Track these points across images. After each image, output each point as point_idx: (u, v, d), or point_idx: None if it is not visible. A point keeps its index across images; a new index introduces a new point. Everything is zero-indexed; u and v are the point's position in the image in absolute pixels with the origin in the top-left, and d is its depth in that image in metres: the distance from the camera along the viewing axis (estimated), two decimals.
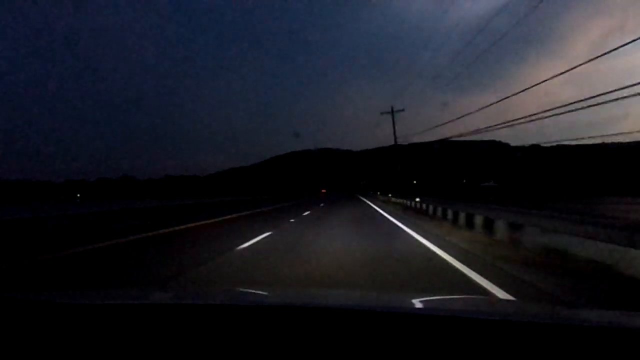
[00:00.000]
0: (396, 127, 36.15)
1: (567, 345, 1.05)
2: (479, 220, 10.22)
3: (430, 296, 2.29)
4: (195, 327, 1.19)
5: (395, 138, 36.74)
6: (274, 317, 1.27)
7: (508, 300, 3.74)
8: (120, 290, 3.32)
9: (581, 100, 9.37)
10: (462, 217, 11.87)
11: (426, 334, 1.12)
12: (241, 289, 2.72)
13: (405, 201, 25.77)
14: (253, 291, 2.37)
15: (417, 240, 8.75)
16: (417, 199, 21.54)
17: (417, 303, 1.73)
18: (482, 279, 4.88)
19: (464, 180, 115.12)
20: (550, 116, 11.05)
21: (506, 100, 13.24)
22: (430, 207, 17.21)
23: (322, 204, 32.18)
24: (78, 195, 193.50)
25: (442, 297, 2.36)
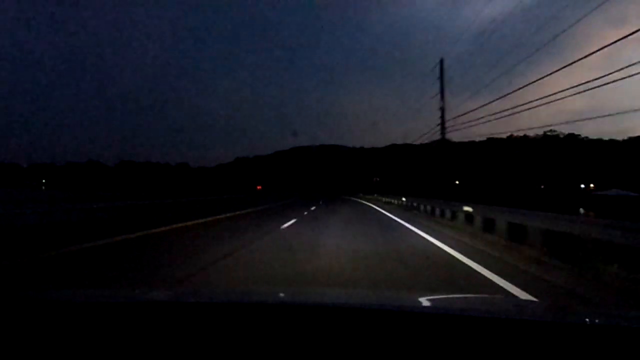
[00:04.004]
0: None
1: (580, 346, 1.04)
2: None
3: (439, 295, 2.28)
4: (195, 326, 1.19)
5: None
6: (279, 315, 1.28)
7: (518, 300, 3.80)
8: (120, 289, 3.33)
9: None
10: None
11: (434, 333, 1.13)
12: (243, 288, 3.07)
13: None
14: (255, 290, 2.49)
15: None
16: None
17: (426, 302, 1.75)
18: None
19: (542, 186, 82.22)
20: None
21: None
22: None
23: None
24: (43, 181, 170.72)
25: (450, 295, 2.37)
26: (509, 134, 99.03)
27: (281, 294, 2.08)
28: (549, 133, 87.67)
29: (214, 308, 1.38)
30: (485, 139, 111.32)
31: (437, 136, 24.39)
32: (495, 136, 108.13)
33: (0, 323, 1.22)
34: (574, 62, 11.22)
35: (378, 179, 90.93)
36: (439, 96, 22.02)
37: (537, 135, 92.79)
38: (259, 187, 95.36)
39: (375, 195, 54.23)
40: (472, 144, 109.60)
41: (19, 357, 1.08)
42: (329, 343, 1.09)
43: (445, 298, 2.04)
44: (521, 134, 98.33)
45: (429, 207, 19.47)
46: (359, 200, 49.58)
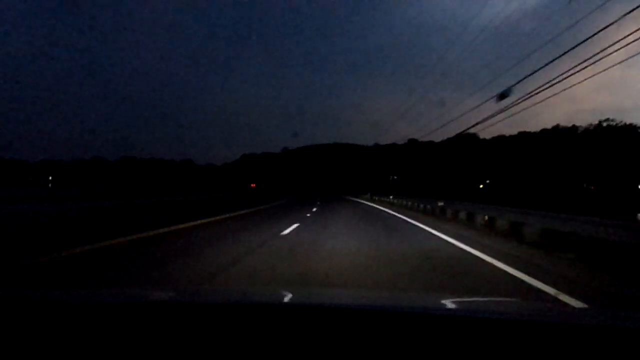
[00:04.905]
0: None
1: (598, 348, 1.04)
2: None
3: (452, 297, 2.17)
4: (196, 326, 1.20)
5: None
6: (281, 316, 1.27)
7: (533, 302, 3.41)
8: (120, 289, 3.16)
9: None
10: None
11: (445, 335, 1.12)
12: (244, 288, 2.91)
13: None
14: (256, 290, 2.36)
15: None
16: None
17: (438, 303, 1.72)
18: None
19: (588, 186, 67.82)
20: None
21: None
22: None
23: None
24: (50, 178, 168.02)
25: (464, 299, 2.23)
26: (543, 126, 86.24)
27: (284, 295, 2.06)
28: (604, 123, 73.94)
29: (215, 308, 1.36)
30: (516, 133, 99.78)
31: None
32: (527, 130, 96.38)
33: (0, 323, 1.22)
34: None
35: (395, 177, 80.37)
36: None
37: (591, 125, 79.20)
38: (252, 185, 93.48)
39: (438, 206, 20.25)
40: (501, 138, 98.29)
41: (19, 357, 1.08)
42: (332, 345, 1.07)
43: (457, 301, 1.93)
44: (569, 124, 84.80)
45: None
46: (388, 214, 22.07)
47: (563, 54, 11.14)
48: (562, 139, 75.20)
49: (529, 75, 13.10)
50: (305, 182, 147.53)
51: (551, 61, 11.88)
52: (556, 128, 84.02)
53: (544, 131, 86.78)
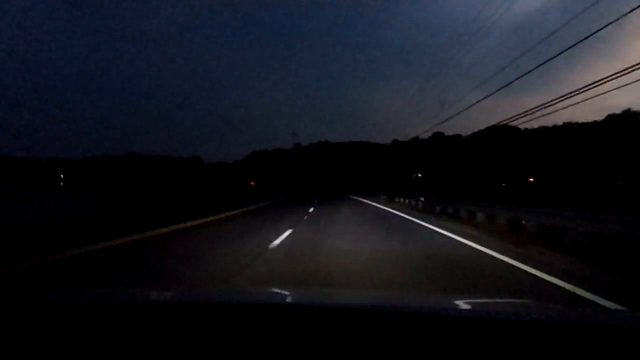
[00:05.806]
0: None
1: (614, 349, 1.03)
2: None
3: (468, 298, 2.17)
4: (196, 326, 1.20)
5: None
6: (282, 316, 1.26)
7: (551, 303, 3.47)
8: (120, 289, 3.18)
9: None
10: None
11: (454, 335, 1.11)
12: (244, 288, 2.85)
13: None
14: (256, 290, 2.34)
15: None
16: None
17: (457, 305, 1.73)
18: None
19: None
20: None
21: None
22: None
23: None
24: (62, 176, 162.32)
25: (474, 300, 2.26)
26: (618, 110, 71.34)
27: (286, 295, 2.05)
28: None
29: (215, 308, 1.37)
30: (561, 123, 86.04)
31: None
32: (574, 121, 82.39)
33: (0, 323, 1.23)
34: None
35: (420, 175, 68.03)
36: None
37: None
38: (252, 183, 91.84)
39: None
40: (545, 130, 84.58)
41: (19, 357, 1.08)
42: (338, 347, 1.05)
43: (468, 301, 1.89)
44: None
45: None
46: None
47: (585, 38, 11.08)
48: (633, 126, 61.12)
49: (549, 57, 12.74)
50: (317, 180, 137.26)
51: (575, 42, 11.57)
52: (627, 112, 69.28)
53: (611, 117, 72.17)
